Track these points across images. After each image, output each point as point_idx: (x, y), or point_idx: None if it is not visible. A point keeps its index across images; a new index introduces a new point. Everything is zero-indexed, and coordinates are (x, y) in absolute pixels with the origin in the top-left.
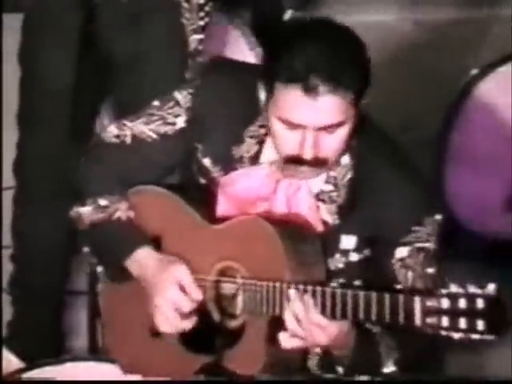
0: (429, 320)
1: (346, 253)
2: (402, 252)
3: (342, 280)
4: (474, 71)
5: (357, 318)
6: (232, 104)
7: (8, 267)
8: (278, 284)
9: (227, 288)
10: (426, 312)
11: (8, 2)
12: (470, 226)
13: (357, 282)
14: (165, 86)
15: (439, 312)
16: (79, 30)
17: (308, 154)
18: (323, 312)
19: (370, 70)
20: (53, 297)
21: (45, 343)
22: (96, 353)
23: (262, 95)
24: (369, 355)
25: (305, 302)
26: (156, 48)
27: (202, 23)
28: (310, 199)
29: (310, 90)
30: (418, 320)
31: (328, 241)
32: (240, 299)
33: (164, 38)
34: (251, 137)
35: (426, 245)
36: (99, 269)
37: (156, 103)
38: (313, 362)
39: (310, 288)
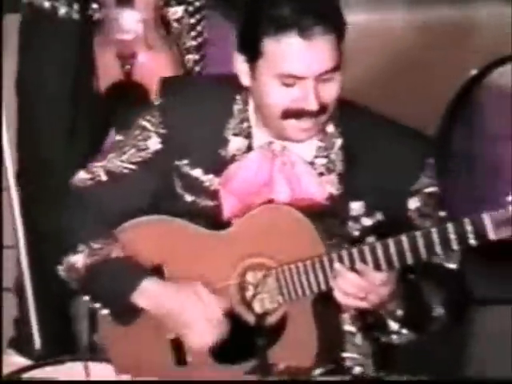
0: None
1: (357, 219)
2: (415, 201)
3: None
4: (474, 71)
5: (405, 263)
6: (202, 113)
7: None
8: (324, 258)
9: (252, 286)
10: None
11: (8, 2)
12: None
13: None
14: None
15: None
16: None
17: (313, 105)
18: (377, 267)
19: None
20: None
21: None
22: (96, 353)
23: (243, 66)
24: (418, 304)
25: (357, 268)
26: None
27: (194, 43)
28: (309, 170)
29: (305, 33)
30: (491, 234)
31: (337, 211)
32: (273, 291)
33: None
34: (235, 134)
35: (432, 189)
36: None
37: (120, 137)
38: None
39: (355, 250)
